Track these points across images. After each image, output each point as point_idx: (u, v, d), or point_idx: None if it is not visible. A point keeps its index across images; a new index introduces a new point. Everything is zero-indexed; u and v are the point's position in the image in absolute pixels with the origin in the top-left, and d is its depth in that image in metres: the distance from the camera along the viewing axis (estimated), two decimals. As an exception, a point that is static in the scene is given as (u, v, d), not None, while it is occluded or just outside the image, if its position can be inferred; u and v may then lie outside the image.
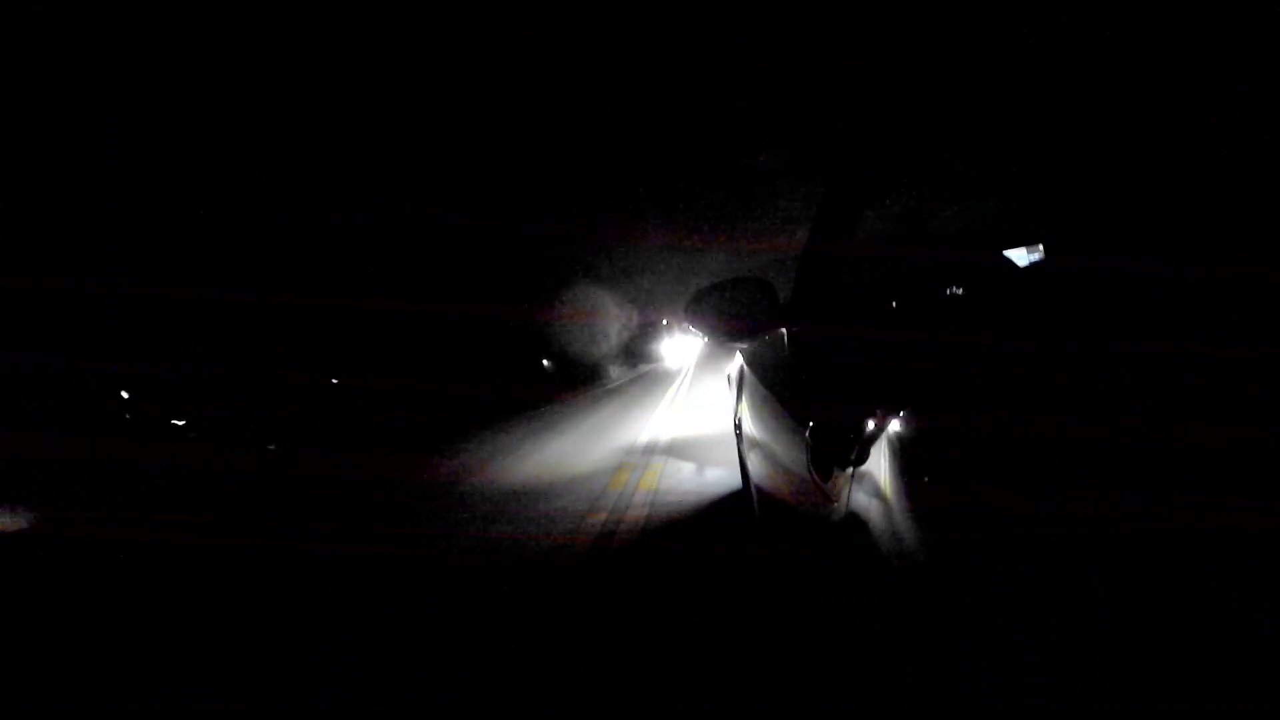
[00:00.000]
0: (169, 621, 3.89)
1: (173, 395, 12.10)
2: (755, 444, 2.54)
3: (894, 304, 1.82)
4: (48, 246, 13.53)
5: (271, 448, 10.54)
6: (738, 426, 3.25)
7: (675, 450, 6.62)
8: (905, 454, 1.02)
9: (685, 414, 9.44)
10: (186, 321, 14.46)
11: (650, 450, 6.94)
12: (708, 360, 21.69)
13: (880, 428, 1.12)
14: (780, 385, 2.12)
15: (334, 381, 13.87)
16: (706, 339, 2.18)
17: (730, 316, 2.03)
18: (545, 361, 23.96)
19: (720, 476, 4.99)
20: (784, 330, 2.12)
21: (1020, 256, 1.67)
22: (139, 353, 12.77)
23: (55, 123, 13.64)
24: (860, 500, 1.13)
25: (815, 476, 1.46)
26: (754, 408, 2.59)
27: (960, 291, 1.68)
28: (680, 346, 30.59)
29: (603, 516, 4.50)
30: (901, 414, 1.10)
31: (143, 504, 8.11)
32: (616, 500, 4.91)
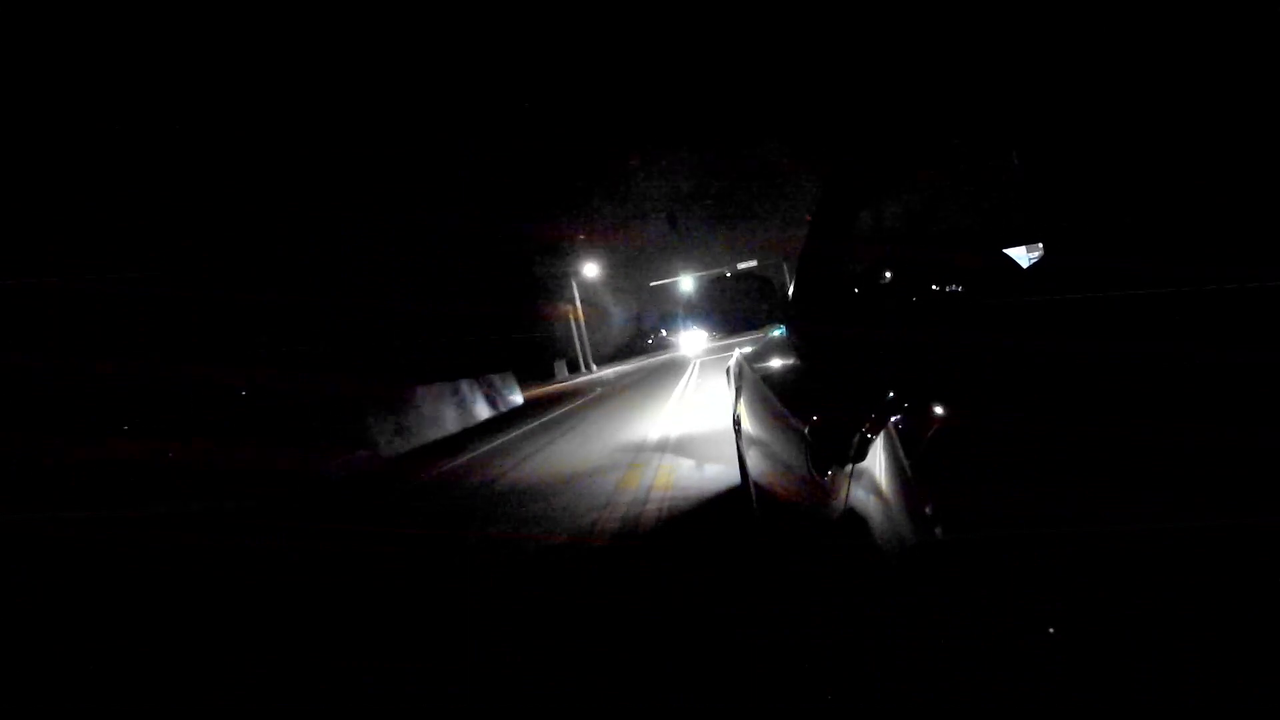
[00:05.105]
0: (168, 622, 3.89)
1: (176, 395, 12.08)
2: (754, 441, 2.54)
3: (894, 303, 1.83)
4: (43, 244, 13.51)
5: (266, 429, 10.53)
6: (737, 424, 3.25)
7: (680, 448, 6.61)
8: (904, 452, 1.02)
9: (689, 412, 9.43)
10: (192, 321, 14.43)
11: (661, 447, 6.87)
12: (710, 353, 21.61)
13: (879, 425, 1.12)
14: (780, 383, 2.12)
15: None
16: (708, 335, 2.19)
17: (730, 314, 2.04)
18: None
19: (719, 473, 4.98)
20: (784, 329, 2.13)
21: (1020, 256, 1.68)
22: (135, 352, 12.75)
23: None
24: (859, 498, 1.14)
25: (814, 474, 1.46)
26: (753, 405, 2.59)
27: (960, 291, 1.69)
28: (693, 337, 30.69)
29: (614, 516, 4.44)
30: (900, 412, 1.10)
31: (145, 503, 8.12)
32: (631, 499, 4.82)
